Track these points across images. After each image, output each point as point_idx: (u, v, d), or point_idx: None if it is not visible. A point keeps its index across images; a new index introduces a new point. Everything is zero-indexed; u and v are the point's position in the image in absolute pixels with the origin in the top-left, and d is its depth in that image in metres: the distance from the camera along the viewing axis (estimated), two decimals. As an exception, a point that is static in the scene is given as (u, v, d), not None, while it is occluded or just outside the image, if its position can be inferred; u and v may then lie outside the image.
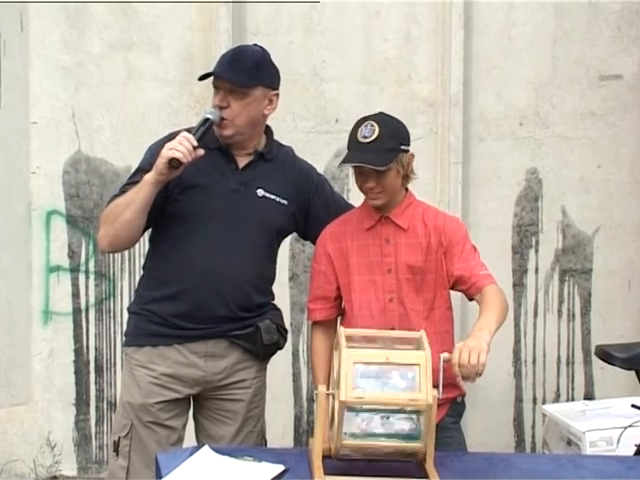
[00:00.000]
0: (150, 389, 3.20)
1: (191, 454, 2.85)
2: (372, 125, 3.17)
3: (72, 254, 4.88)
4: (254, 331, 3.25)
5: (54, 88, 4.80)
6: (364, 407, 2.62)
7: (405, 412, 2.63)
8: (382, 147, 3.16)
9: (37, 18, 4.78)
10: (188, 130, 3.14)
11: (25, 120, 4.80)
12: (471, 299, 3.18)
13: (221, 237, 3.17)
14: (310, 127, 4.86)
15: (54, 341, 4.87)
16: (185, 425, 3.26)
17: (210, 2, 4.77)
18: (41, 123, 4.81)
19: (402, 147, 3.20)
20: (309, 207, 3.35)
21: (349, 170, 4.69)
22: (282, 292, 4.83)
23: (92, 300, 4.88)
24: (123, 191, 3.15)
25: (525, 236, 4.98)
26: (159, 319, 3.21)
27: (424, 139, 4.62)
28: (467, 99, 4.80)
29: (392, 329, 3.05)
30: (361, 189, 3.24)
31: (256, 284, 3.27)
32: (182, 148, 3.01)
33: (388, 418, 2.64)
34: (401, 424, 2.64)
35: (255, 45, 3.30)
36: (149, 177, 3.05)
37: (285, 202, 3.27)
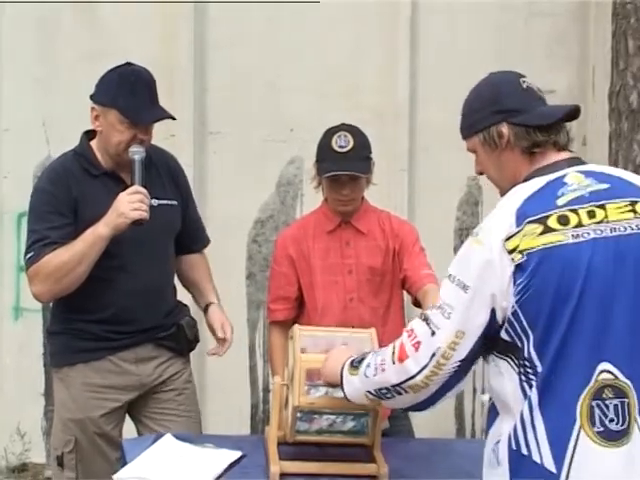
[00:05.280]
0: (90, 404, 3.14)
1: (154, 441, 2.85)
2: (346, 136, 3.19)
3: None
4: (177, 330, 3.23)
5: (25, 97, 4.78)
6: (315, 410, 2.64)
7: (354, 414, 2.65)
8: (360, 156, 3.19)
9: (9, 30, 4.76)
10: (79, 154, 3.11)
11: (-3, 127, 4.77)
12: (415, 303, 3.19)
13: (136, 256, 3.10)
14: (266, 135, 4.86)
15: (24, 336, 4.83)
16: (121, 431, 3.23)
17: (174, 12, 4.77)
18: (12, 130, 4.78)
19: (371, 155, 3.24)
20: (186, 204, 3.32)
21: (303, 176, 4.72)
22: (239, 290, 4.85)
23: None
24: (50, 241, 2.99)
25: (466, 238, 5.01)
26: (89, 335, 3.14)
27: (372, 148, 4.65)
28: (413, 110, 4.84)
29: (352, 327, 3.04)
30: (333, 197, 3.24)
31: (171, 288, 3.29)
32: (145, 207, 2.96)
33: (338, 418, 2.65)
34: (350, 424, 2.66)
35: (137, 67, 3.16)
36: (104, 233, 2.94)
37: (175, 202, 3.23)
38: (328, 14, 4.83)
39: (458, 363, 2.17)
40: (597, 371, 2.10)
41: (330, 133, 3.23)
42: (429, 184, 4.92)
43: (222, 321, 3.28)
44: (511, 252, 2.11)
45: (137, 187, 2.99)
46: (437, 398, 2.23)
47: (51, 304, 3.32)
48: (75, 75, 4.73)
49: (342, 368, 2.41)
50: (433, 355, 2.16)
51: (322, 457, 2.71)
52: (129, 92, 3.04)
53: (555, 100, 4.84)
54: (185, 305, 3.37)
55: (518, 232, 2.12)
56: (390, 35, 4.86)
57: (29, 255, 3.05)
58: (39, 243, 3.03)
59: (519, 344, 2.14)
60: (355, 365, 2.35)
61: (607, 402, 2.10)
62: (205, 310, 3.34)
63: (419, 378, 2.18)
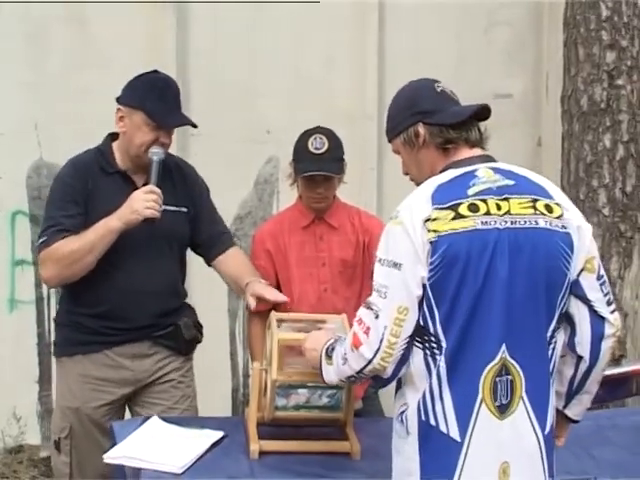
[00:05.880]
0: (86, 395, 3.12)
1: (142, 423, 2.85)
2: (321, 138, 3.20)
3: (35, 249, 4.82)
4: (174, 330, 3.17)
5: (18, 103, 4.74)
6: (292, 384, 2.64)
7: (328, 388, 2.65)
8: (334, 157, 3.20)
9: (1, 40, 4.72)
10: (100, 151, 3.09)
11: (-8, 132, 4.74)
12: None
13: (137, 256, 3.06)
14: (244, 137, 4.85)
15: (19, 326, 4.80)
16: None
17: (157, 20, 4.74)
18: (7, 134, 4.74)
19: (344, 157, 3.25)
20: (200, 211, 3.23)
21: (279, 174, 4.72)
22: (220, 281, 4.81)
23: (52, 290, 4.81)
24: (62, 228, 2.98)
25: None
26: (87, 329, 3.11)
27: (344, 148, 4.65)
28: (381, 113, 4.84)
29: None
30: (307, 195, 3.24)
31: (172, 291, 3.20)
32: (158, 207, 2.93)
33: (313, 393, 2.66)
34: (324, 398, 2.67)
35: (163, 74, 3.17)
36: (116, 226, 2.92)
37: (185, 209, 3.16)
38: (301, 23, 4.83)
39: (407, 340, 2.19)
40: (501, 350, 2.17)
41: (306, 135, 3.23)
42: (397, 182, 4.90)
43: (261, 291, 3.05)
44: (429, 231, 2.15)
45: (153, 187, 2.96)
46: (396, 374, 2.25)
47: (60, 294, 3.28)
48: (64, 81, 4.72)
49: (320, 357, 2.41)
50: (382, 336, 2.18)
51: (299, 436, 2.72)
52: (157, 97, 3.03)
53: (513, 103, 4.93)
54: (191, 307, 3.30)
55: (433, 215, 2.16)
56: (359, 42, 4.87)
57: (42, 239, 3.03)
58: (52, 229, 3.01)
59: (423, 322, 2.18)
60: (329, 355, 2.36)
61: (505, 378, 2.17)
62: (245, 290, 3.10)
63: (376, 362, 2.20)
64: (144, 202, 2.92)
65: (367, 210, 3.66)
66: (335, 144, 3.23)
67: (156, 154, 3.01)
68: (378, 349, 2.18)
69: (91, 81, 4.72)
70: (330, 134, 3.25)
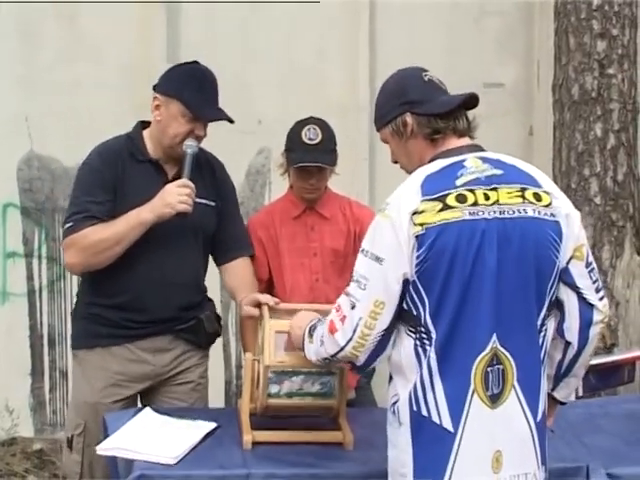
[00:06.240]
0: (106, 389, 3.04)
1: (135, 414, 2.84)
2: (315, 129, 3.19)
3: (26, 241, 4.81)
4: (196, 323, 3.12)
5: (9, 95, 4.73)
6: (285, 370, 2.65)
7: (321, 375, 2.65)
8: (328, 148, 3.19)
9: (-7, 34, 4.72)
10: (131, 138, 3.03)
11: (-18, 124, 4.72)
12: None
13: (163, 248, 2.99)
14: (236, 127, 4.82)
15: (11, 318, 4.80)
16: None
17: (148, 14, 4.72)
18: (-3, 126, 4.74)
19: (336, 148, 3.24)
20: (225, 207, 3.18)
21: (271, 165, 4.71)
22: (213, 272, 4.81)
23: (45, 282, 4.82)
24: (90, 215, 2.91)
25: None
26: (108, 322, 3.03)
27: (336, 138, 4.66)
28: (373, 103, 4.80)
29: None
30: (299, 185, 3.24)
31: (197, 284, 3.16)
32: (191, 202, 2.88)
33: (306, 380, 2.66)
34: (317, 385, 2.67)
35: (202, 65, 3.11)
36: (148, 219, 2.88)
37: (213, 203, 3.11)
38: (294, 15, 4.82)
39: (382, 332, 2.20)
40: (491, 340, 2.17)
41: (300, 125, 3.23)
42: (389, 172, 4.90)
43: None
44: (415, 225, 2.15)
45: (186, 181, 2.91)
46: (369, 363, 2.27)
47: (79, 286, 3.23)
48: (55, 74, 4.71)
49: (303, 335, 2.43)
50: (356, 327, 2.20)
51: (291, 426, 2.71)
52: (196, 88, 2.98)
53: (504, 92, 4.94)
54: (210, 300, 3.26)
55: (420, 207, 2.16)
56: (351, 32, 4.87)
57: (68, 225, 2.96)
58: (79, 215, 2.94)
59: (415, 312, 2.18)
60: (311, 333, 2.38)
61: (496, 367, 2.18)
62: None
63: (348, 349, 2.22)
64: (178, 196, 2.87)
65: (359, 200, 3.66)
66: (328, 135, 3.23)
67: (190, 147, 2.97)
68: (351, 338, 2.21)
69: (82, 74, 4.72)
70: (324, 125, 3.24)
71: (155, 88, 3.05)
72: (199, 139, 3.01)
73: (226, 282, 3.23)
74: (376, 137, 4.84)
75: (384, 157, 4.85)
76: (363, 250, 2.22)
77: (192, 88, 2.97)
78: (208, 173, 3.13)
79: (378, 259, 2.17)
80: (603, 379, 2.40)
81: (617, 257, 4.26)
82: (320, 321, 2.39)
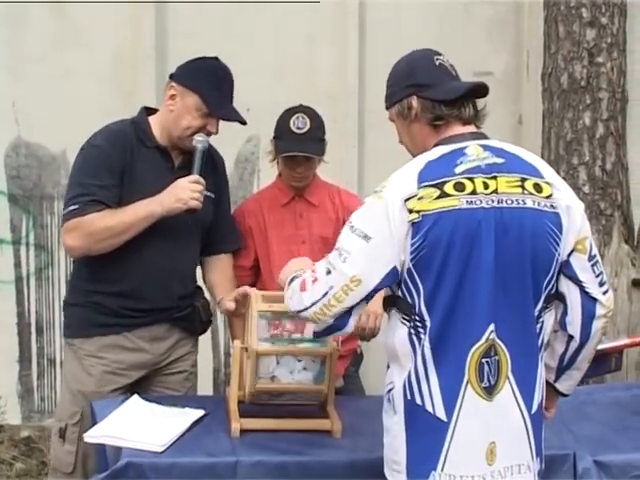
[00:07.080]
0: (104, 378, 3.02)
1: (123, 402, 2.84)
2: (303, 117, 3.18)
3: (14, 228, 4.79)
4: (192, 311, 3.13)
5: (-4, 82, 4.71)
6: (275, 311, 2.63)
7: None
8: (316, 137, 3.19)
9: (-20, 20, 4.68)
10: (137, 123, 3.00)
11: (-31, 110, 4.69)
12: None
13: (165, 236, 2.98)
14: (225, 115, 4.82)
15: (-1, 305, 4.79)
16: None
17: (137, 2, 4.70)
18: (-16, 113, 4.71)
19: (325, 137, 3.24)
20: (220, 200, 3.18)
21: (260, 153, 4.70)
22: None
23: (32, 269, 4.80)
24: (96, 199, 2.88)
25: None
26: (107, 310, 3.02)
27: (325, 125, 4.65)
28: (362, 91, 4.83)
29: None
30: (287, 173, 3.24)
31: (193, 274, 3.17)
32: (202, 198, 2.88)
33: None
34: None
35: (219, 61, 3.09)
36: (157, 212, 2.87)
37: (212, 195, 3.10)
38: (283, 2, 4.79)
39: (346, 309, 2.19)
40: (488, 330, 2.16)
41: (289, 113, 3.22)
42: (378, 159, 4.92)
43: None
44: (410, 212, 2.14)
45: (198, 177, 2.91)
46: (326, 334, 2.30)
47: (72, 274, 3.22)
48: (43, 62, 4.68)
49: (286, 282, 2.39)
50: (326, 293, 2.19)
51: (279, 414, 2.71)
52: (215, 85, 2.98)
53: (493, 81, 4.92)
54: (200, 288, 3.25)
55: (417, 194, 2.15)
56: (340, 20, 4.84)
57: (73, 207, 2.90)
58: (85, 197, 2.89)
59: (410, 300, 2.17)
60: (290, 283, 2.35)
61: (492, 359, 2.17)
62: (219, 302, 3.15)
63: (310, 312, 2.22)
64: (190, 192, 2.87)
65: (348, 188, 3.67)
66: (317, 124, 3.22)
67: (201, 142, 2.96)
68: (316, 302, 2.20)
69: (69, 61, 4.70)
70: (313, 114, 3.23)
71: (172, 77, 3.04)
72: (209, 135, 3.00)
73: (206, 275, 3.24)
74: (365, 124, 4.93)
75: (373, 144, 4.94)
76: (352, 226, 2.20)
77: (212, 84, 2.97)
78: (210, 165, 3.11)
79: (366, 237, 2.16)
80: (590, 367, 2.40)
81: (605, 246, 4.27)
82: (300, 275, 2.35)
